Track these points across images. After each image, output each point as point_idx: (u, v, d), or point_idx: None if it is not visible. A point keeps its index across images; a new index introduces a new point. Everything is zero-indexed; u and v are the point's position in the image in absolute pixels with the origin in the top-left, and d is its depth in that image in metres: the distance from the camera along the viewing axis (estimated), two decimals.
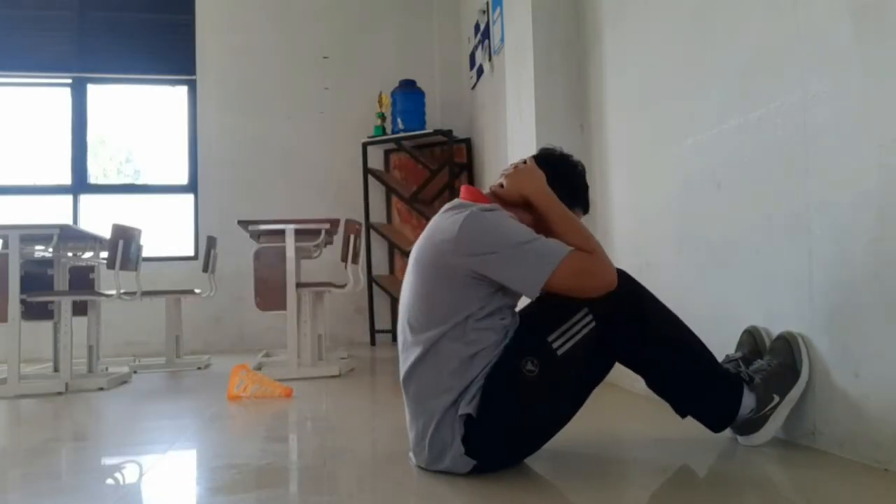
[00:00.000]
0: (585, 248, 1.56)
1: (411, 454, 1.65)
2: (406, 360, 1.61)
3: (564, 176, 1.73)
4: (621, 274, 1.66)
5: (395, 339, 5.86)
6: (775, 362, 1.73)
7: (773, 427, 1.72)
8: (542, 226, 1.64)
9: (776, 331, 1.82)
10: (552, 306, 1.62)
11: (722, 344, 1.92)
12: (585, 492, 1.50)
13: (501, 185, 1.70)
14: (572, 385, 1.62)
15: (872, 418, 1.54)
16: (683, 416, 1.75)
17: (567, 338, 1.56)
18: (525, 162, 1.72)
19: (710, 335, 2.06)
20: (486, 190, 1.76)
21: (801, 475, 1.58)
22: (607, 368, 1.68)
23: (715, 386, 1.72)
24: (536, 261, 1.51)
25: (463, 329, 1.55)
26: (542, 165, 1.71)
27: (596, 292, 1.57)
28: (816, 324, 1.71)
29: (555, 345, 1.55)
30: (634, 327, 1.62)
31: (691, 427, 1.76)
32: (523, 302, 1.68)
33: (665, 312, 1.70)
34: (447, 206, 1.67)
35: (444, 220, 1.60)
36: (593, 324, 1.57)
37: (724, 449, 1.76)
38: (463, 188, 1.74)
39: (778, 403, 1.70)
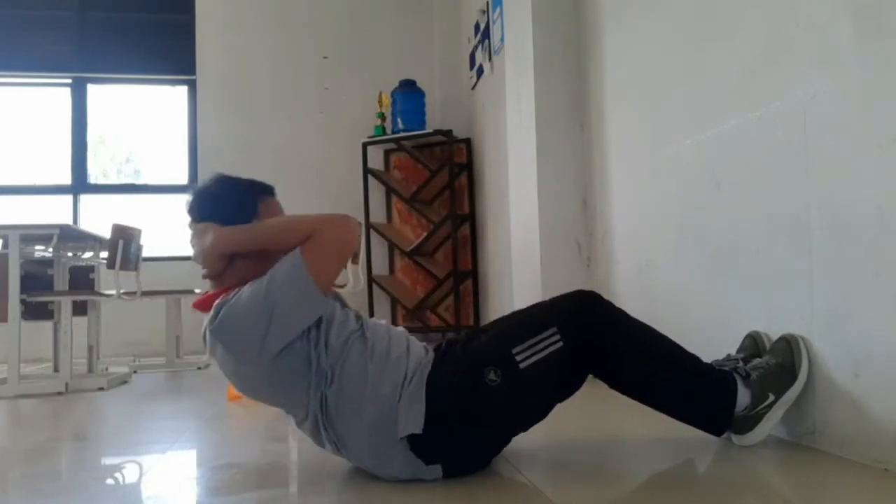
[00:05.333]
0: (305, 235, 1.50)
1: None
2: (321, 439, 1.60)
3: (221, 205, 1.61)
4: (591, 295, 1.67)
5: None
6: (773, 361, 1.73)
7: (767, 427, 1.71)
8: (263, 256, 1.56)
9: (777, 333, 1.82)
10: (522, 320, 1.66)
11: (721, 344, 1.92)
12: (579, 492, 1.50)
13: (203, 267, 1.63)
14: (533, 399, 1.61)
15: (872, 418, 1.54)
16: (686, 422, 1.75)
17: (531, 353, 1.55)
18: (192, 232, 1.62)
19: (709, 335, 2.06)
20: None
21: (801, 475, 1.58)
22: (574, 388, 1.66)
23: (705, 391, 1.71)
24: (293, 293, 1.47)
25: (327, 380, 1.52)
26: (201, 217, 1.61)
27: (352, 249, 1.57)
28: (816, 324, 1.71)
29: (518, 357, 1.54)
30: (609, 351, 1.62)
31: (688, 427, 1.76)
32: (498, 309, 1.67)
33: (640, 329, 1.69)
34: (202, 337, 1.61)
35: (214, 356, 1.58)
36: (560, 344, 1.56)
37: (721, 449, 1.76)
38: (192, 306, 1.66)
39: (773, 403, 1.69)
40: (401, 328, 1.70)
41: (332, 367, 1.52)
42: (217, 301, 1.54)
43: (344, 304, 1.67)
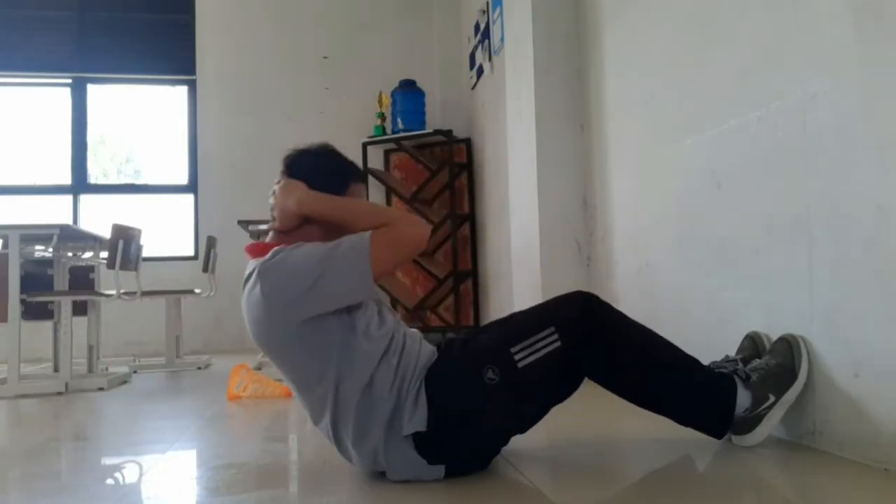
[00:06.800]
0: (381, 223, 1.55)
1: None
2: (324, 424, 1.59)
3: (316, 168, 1.66)
4: (590, 297, 1.67)
5: None
6: (773, 362, 1.73)
7: (767, 428, 1.71)
8: (334, 229, 1.59)
9: (776, 333, 1.82)
10: (520, 321, 1.66)
11: (721, 344, 1.92)
12: (579, 492, 1.50)
13: (275, 219, 1.64)
14: (531, 398, 1.62)
15: (872, 418, 1.54)
16: (686, 426, 1.75)
17: (529, 352, 1.56)
18: (278, 182, 1.65)
19: (709, 335, 2.06)
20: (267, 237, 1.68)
21: (801, 475, 1.58)
22: (572, 388, 1.67)
23: (704, 394, 1.71)
24: (348, 267, 1.50)
25: (349, 363, 1.52)
26: (294, 174, 1.64)
27: (416, 251, 1.59)
28: (816, 324, 1.71)
29: (517, 356, 1.55)
30: (607, 352, 1.63)
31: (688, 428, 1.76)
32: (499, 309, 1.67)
33: (638, 332, 1.69)
34: (245, 278, 1.60)
35: (249, 297, 1.56)
36: (558, 343, 1.57)
37: (722, 449, 1.76)
38: (246, 248, 1.65)
39: (773, 404, 1.70)
40: (414, 330, 1.70)
41: (367, 359, 1.52)
42: (276, 248, 1.55)
43: (384, 306, 1.67)
